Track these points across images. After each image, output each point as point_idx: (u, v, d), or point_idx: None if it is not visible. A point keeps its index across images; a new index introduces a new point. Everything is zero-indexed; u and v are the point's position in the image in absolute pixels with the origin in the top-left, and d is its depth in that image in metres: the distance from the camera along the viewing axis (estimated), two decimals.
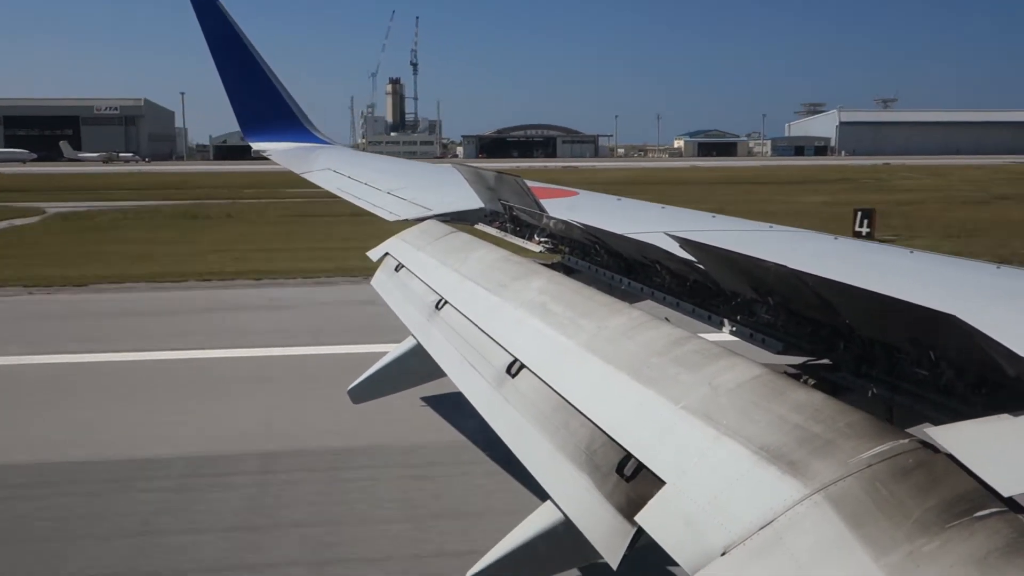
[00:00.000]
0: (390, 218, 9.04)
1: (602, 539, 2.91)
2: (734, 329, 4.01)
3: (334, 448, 11.40)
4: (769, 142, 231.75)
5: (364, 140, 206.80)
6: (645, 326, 3.80)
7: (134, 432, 12.11)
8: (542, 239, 6.73)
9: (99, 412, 13.06)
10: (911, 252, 5.15)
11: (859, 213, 31.80)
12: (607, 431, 3.21)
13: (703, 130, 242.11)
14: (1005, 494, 2.03)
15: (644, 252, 4.90)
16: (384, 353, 8.80)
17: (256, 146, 17.40)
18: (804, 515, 2.26)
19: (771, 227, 6.53)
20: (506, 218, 7.42)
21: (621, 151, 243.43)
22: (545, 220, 6.50)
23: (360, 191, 11.35)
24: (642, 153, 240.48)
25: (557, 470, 3.34)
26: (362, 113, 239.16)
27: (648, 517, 2.72)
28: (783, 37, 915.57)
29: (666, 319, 3.93)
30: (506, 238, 7.24)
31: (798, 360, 3.52)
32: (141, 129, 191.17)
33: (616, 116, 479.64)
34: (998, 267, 4.50)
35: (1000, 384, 2.57)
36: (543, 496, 3.63)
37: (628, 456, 3.00)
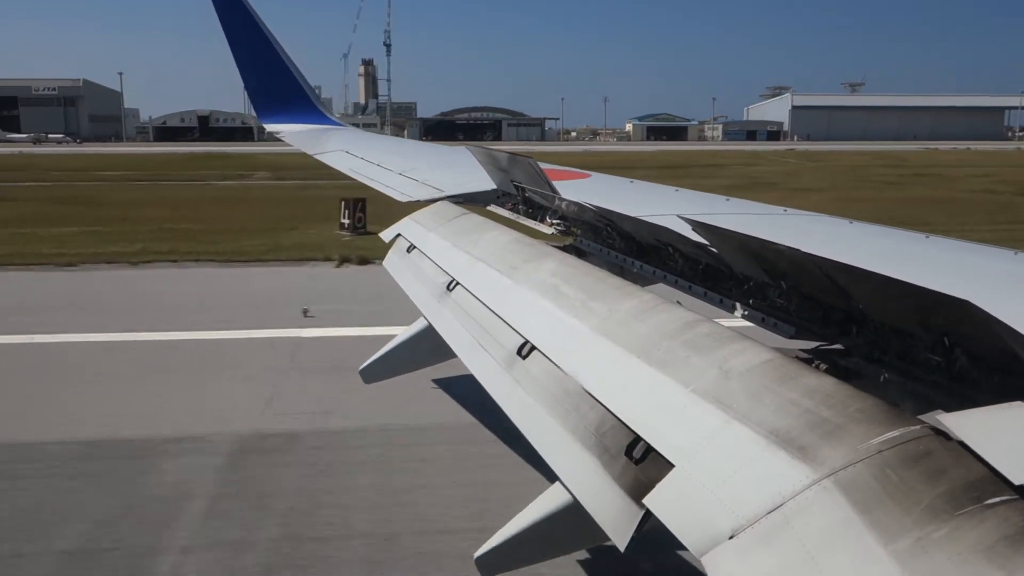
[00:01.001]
0: (402, 199, 9.03)
1: (610, 521, 2.91)
2: (746, 313, 3.99)
3: None
4: (720, 127, 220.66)
5: None
6: (656, 309, 3.79)
7: None
8: (554, 221, 6.71)
9: None
10: (926, 237, 5.10)
11: (343, 203, 28.73)
12: (617, 414, 3.21)
13: (652, 114, 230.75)
14: (1016, 482, 2.01)
15: (657, 235, 4.87)
16: None
17: (270, 128, 17.48)
18: (813, 500, 2.26)
19: (785, 211, 6.48)
20: (518, 200, 7.40)
21: (574, 134, 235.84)
22: (557, 202, 6.47)
23: (373, 172, 11.37)
24: (592, 136, 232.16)
25: (566, 452, 3.35)
26: None
27: (656, 500, 2.72)
28: (754, 18, 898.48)
29: (678, 302, 3.91)
30: (518, 220, 7.22)
31: (810, 345, 3.50)
32: (80, 110, 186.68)
33: (562, 99, 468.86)
34: (1015, 253, 4.45)
35: (1014, 372, 2.54)
36: (552, 478, 3.64)
37: (637, 439, 3.01)
